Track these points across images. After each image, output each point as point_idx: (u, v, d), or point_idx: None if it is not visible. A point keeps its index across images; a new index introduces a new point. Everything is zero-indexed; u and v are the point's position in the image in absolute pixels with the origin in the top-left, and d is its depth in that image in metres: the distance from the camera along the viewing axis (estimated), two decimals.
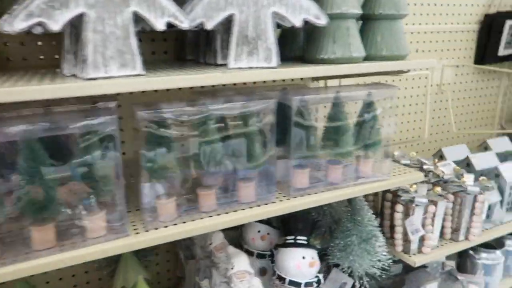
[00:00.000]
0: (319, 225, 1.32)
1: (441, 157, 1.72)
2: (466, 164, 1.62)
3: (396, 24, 1.03)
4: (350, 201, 1.24)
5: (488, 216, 1.46)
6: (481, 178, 1.34)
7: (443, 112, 1.98)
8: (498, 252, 1.48)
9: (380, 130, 1.09)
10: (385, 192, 1.32)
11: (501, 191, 1.48)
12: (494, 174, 1.50)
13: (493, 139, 1.84)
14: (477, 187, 1.28)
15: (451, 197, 1.30)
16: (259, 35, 0.86)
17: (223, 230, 1.38)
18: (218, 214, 0.92)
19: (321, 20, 0.86)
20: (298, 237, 1.16)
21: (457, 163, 1.68)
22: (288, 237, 1.17)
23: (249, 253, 1.30)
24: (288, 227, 1.19)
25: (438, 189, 1.24)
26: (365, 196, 1.46)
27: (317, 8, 0.85)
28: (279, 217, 1.27)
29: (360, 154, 1.10)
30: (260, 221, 1.29)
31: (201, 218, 0.90)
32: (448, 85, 1.96)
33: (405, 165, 1.54)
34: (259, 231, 1.29)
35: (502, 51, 1.93)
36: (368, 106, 1.06)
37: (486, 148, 1.83)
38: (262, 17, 0.86)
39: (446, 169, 1.46)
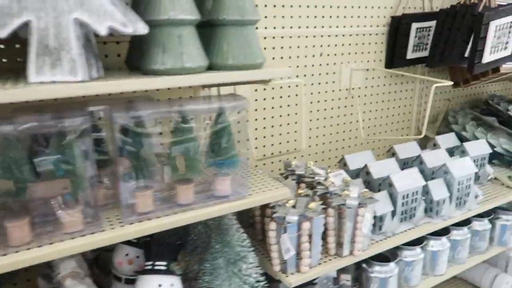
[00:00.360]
0: (195, 245, 1.23)
1: (345, 164, 1.66)
2: (365, 173, 1.57)
3: (244, 30, 0.94)
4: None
5: (380, 228, 1.41)
6: (363, 190, 1.28)
7: (355, 117, 1.93)
8: (392, 264, 1.43)
9: (235, 145, 1.00)
10: (265, 207, 1.24)
11: (394, 201, 1.43)
12: (388, 183, 1.45)
13: (399, 144, 1.80)
14: (356, 200, 1.22)
15: (331, 211, 1.23)
16: (61, 45, 0.76)
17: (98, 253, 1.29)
18: (29, 248, 0.81)
19: (128, 28, 0.76)
20: (157, 263, 1.06)
21: (358, 171, 1.63)
22: (147, 263, 1.07)
23: (117, 278, 1.19)
24: (149, 252, 1.09)
25: (313, 204, 1.17)
26: (251, 211, 1.39)
27: (123, 15, 0.75)
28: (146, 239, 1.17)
29: (215, 171, 1.01)
30: (130, 243, 1.18)
31: (5, 255, 0.79)
32: (359, 90, 1.91)
33: (299, 175, 1.48)
34: (127, 255, 1.18)
35: (410, 55, 1.89)
36: (220, 119, 0.97)
37: (393, 154, 1.79)
38: (63, 25, 0.75)
39: (337, 179, 1.40)
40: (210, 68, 0.94)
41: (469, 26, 1.57)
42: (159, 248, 1.08)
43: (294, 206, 1.20)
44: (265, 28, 1.57)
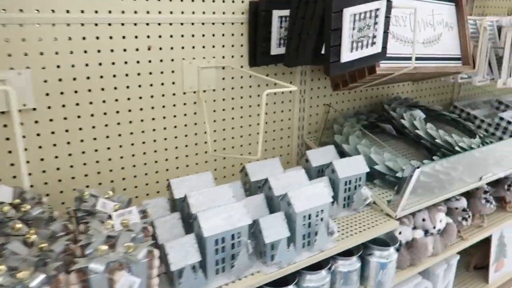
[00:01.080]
0: None
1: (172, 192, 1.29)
2: (187, 205, 1.20)
3: None
4: None
5: (178, 285, 1.04)
6: (127, 244, 0.90)
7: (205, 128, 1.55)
8: None
9: None
10: None
11: (202, 248, 1.06)
12: (197, 224, 1.08)
13: (254, 163, 1.44)
14: (105, 263, 0.85)
15: (73, 277, 0.85)
16: None
17: None
18: None
19: None
20: None
21: (183, 200, 1.26)
22: None
23: None
24: None
25: (23, 274, 0.79)
26: None
27: None
28: None
29: None
30: None
31: None
32: (213, 92, 1.54)
33: (87, 212, 1.10)
34: None
35: (275, 50, 1.52)
36: None
37: (246, 174, 1.43)
38: None
39: (118, 221, 1.02)
40: None
41: (321, 15, 1.21)
42: None
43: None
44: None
